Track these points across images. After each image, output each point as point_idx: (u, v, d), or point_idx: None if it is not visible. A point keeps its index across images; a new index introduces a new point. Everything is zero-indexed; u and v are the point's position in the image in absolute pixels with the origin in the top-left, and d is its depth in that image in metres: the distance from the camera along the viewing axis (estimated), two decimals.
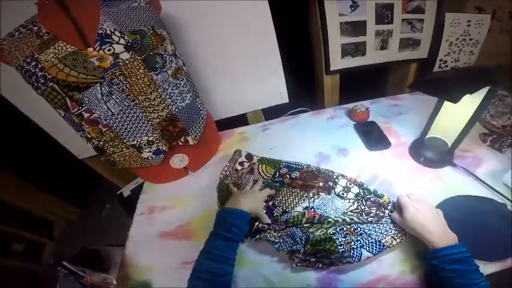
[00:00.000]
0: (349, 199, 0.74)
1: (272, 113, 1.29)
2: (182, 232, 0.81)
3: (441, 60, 1.25)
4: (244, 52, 1.06)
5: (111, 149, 0.80)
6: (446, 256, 0.53)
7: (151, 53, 0.69)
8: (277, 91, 1.21)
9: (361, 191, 0.75)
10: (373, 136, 0.99)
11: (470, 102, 0.70)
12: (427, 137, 0.88)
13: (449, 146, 0.84)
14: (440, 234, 0.57)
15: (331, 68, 1.17)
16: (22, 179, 1.82)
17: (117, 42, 0.64)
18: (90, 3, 0.66)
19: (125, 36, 0.65)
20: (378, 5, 1.08)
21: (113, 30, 0.64)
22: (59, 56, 0.61)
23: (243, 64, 1.09)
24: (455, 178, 0.81)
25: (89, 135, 0.76)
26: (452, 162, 0.85)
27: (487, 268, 0.59)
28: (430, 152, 0.87)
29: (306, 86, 1.44)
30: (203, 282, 0.54)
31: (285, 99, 1.24)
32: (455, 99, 0.63)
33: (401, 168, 0.87)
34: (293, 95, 1.24)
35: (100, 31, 0.63)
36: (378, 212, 0.70)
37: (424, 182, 0.81)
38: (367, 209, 0.71)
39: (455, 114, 0.76)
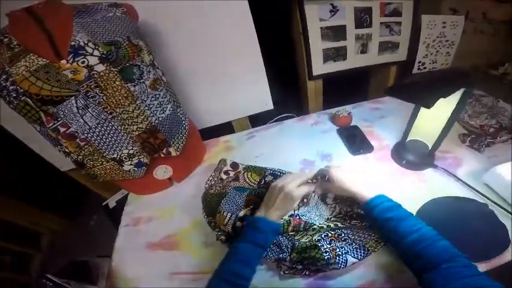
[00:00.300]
0: (330, 204, 0.74)
1: (258, 119, 1.28)
2: (169, 243, 0.79)
3: (420, 62, 1.27)
4: (227, 59, 1.04)
5: (91, 162, 0.77)
6: (379, 205, 0.58)
7: (127, 64, 0.67)
8: (262, 98, 1.20)
9: None
10: (356, 140, 0.99)
11: (446, 105, 0.71)
12: (407, 140, 0.89)
13: (430, 148, 0.85)
14: (365, 189, 0.63)
15: (314, 73, 1.18)
16: (5, 193, 1.74)
17: (91, 54, 0.62)
18: (62, 14, 0.63)
19: (99, 48, 0.62)
20: (357, 9, 1.09)
21: (86, 42, 0.61)
22: (31, 69, 0.58)
23: (226, 72, 1.08)
24: (437, 179, 0.82)
25: (67, 150, 0.73)
26: (433, 164, 0.85)
27: None
28: (411, 155, 0.88)
29: (290, 92, 1.44)
30: (224, 283, 0.54)
31: (269, 105, 1.23)
32: (428, 105, 0.63)
33: (384, 172, 0.87)
34: (278, 101, 1.24)
35: (73, 43, 0.60)
36: (359, 211, 0.69)
37: (406, 185, 0.82)
38: (348, 209, 0.71)
39: (433, 117, 0.77)
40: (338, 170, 0.68)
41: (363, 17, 1.11)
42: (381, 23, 1.15)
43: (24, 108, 0.62)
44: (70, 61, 0.60)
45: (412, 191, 0.79)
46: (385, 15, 1.14)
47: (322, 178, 0.72)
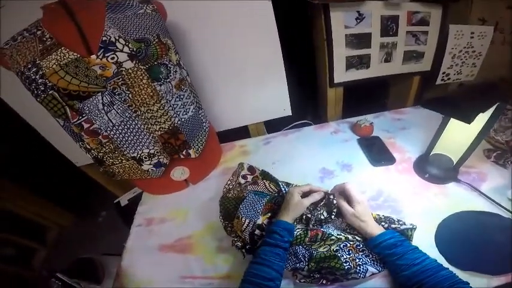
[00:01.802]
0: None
1: (273, 125, 1.27)
2: (182, 245, 0.79)
3: (444, 73, 1.25)
4: (248, 63, 1.03)
5: (111, 160, 0.77)
6: (383, 242, 0.59)
7: (155, 63, 0.67)
8: (280, 103, 1.19)
9: None
10: (377, 151, 0.97)
11: (477, 119, 0.68)
12: (432, 153, 0.87)
13: (455, 163, 0.84)
14: (373, 224, 0.64)
15: (335, 81, 1.16)
16: (17, 182, 1.77)
17: (121, 50, 0.62)
18: (95, 9, 0.64)
19: (129, 44, 0.62)
20: (383, 17, 1.07)
21: (117, 38, 0.62)
22: (61, 63, 0.59)
23: (246, 75, 1.07)
24: (460, 194, 0.80)
25: (88, 146, 0.73)
26: (456, 178, 0.83)
27: (492, 282, 0.59)
28: (434, 169, 0.86)
29: (309, 99, 1.42)
30: (250, 285, 0.56)
31: (287, 112, 1.21)
32: (468, 119, 0.62)
33: (406, 184, 0.85)
34: (296, 108, 1.22)
35: (104, 38, 0.61)
36: None
37: (429, 198, 0.80)
38: None
39: (462, 132, 0.75)
40: (361, 199, 0.67)
41: (389, 26, 1.09)
42: (407, 32, 1.12)
43: (51, 102, 0.62)
44: (100, 56, 0.60)
45: (434, 205, 0.78)
46: (412, 24, 1.12)
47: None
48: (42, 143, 1.07)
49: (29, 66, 0.58)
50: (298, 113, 1.27)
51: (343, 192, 0.70)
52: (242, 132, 1.26)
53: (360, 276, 0.59)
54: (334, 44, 1.06)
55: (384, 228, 0.65)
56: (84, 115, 0.66)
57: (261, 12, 0.93)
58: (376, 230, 0.62)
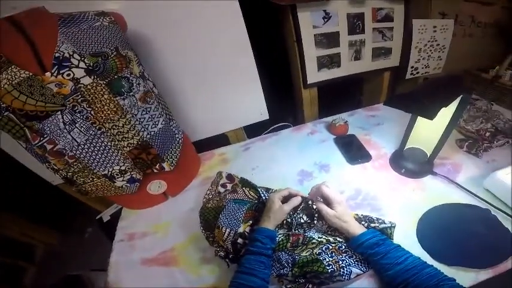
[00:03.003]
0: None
1: (254, 129, 1.23)
2: (165, 258, 0.75)
3: (412, 67, 1.25)
4: (220, 70, 1.00)
5: (82, 179, 0.72)
6: (365, 242, 0.58)
7: (115, 77, 0.62)
8: (257, 108, 1.16)
9: None
10: (353, 149, 0.96)
11: (444, 112, 0.68)
12: (405, 148, 0.86)
13: (428, 156, 0.83)
14: (355, 224, 0.63)
15: (309, 81, 1.14)
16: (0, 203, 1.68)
17: (77, 66, 0.57)
18: (47, 23, 0.58)
19: (85, 59, 0.58)
20: (349, 15, 1.06)
21: (71, 53, 0.57)
22: (13, 82, 0.54)
23: (219, 82, 1.03)
24: (437, 187, 0.79)
25: (55, 167, 0.68)
26: (432, 171, 0.83)
27: (479, 275, 0.57)
28: (410, 163, 0.85)
29: (285, 101, 1.40)
30: None
31: (265, 115, 1.19)
32: (431, 116, 0.61)
33: (384, 181, 0.84)
34: (274, 111, 1.20)
35: (57, 54, 0.56)
36: None
37: (407, 193, 0.79)
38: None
39: (431, 125, 0.73)
40: (340, 200, 0.65)
41: (355, 23, 1.08)
42: (373, 28, 1.12)
43: (8, 124, 0.57)
44: (55, 74, 0.56)
45: (412, 200, 0.76)
46: (377, 21, 1.12)
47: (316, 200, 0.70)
48: (17, 163, 1.00)
49: None
50: (277, 116, 1.25)
51: (321, 195, 0.68)
52: (222, 140, 1.23)
53: (344, 279, 0.57)
54: (304, 45, 1.04)
55: (364, 227, 0.63)
56: (45, 136, 0.60)
57: (229, 16, 0.90)
58: (357, 229, 0.61)
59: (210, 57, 0.96)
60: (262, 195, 0.76)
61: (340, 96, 1.33)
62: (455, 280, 0.48)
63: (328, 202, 0.66)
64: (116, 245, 0.82)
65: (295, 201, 0.68)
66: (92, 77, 0.58)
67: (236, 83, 1.05)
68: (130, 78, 0.66)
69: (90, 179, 0.72)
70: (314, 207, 0.68)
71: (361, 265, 0.60)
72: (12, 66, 0.54)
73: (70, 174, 0.69)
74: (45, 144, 0.62)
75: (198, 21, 0.87)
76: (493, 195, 0.73)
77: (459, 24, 1.22)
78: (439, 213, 0.71)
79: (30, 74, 0.54)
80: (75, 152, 0.64)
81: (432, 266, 0.52)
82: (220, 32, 0.91)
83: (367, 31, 1.12)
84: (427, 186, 0.79)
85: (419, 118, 0.75)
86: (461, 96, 0.66)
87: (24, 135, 0.60)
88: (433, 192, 0.77)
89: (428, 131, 0.77)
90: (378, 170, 0.88)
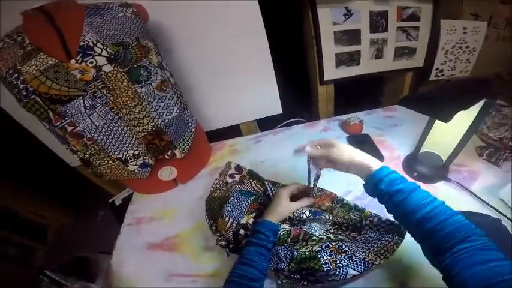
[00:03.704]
0: (325, 216, 0.72)
1: (267, 123, 1.27)
2: (169, 244, 0.81)
3: (437, 69, 1.23)
4: (237, 61, 1.04)
5: (97, 161, 0.79)
6: (387, 176, 0.51)
7: (135, 65, 0.68)
8: (270, 102, 1.19)
9: (336, 205, 0.74)
10: (366, 150, 0.92)
11: (465, 116, 0.68)
12: (420, 151, 0.86)
13: (444, 161, 0.83)
14: (369, 157, 0.57)
15: (325, 78, 1.16)
16: (18, 182, 1.82)
17: (100, 54, 0.63)
18: (74, 13, 0.65)
19: (108, 48, 0.63)
20: (372, 13, 1.06)
21: (95, 42, 0.63)
22: (41, 69, 0.60)
23: (235, 74, 1.07)
24: (448, 193, 0.79)
25: (74, 148, 0.75)
26: (446, 177, 0.82)
27: None
28: (423, 167, 0.85)
29: (301, 97, 1.43)
30: (234, 285, 0.55)
31: (278, 110, 1.22)
32: (446, 118, 0.60)
33: None
34: (288, 106, 1.23)
35: (82, 43, 0.62)
36: (353, 222, 0.69)
37: None
38: (342, 220, 0.71)
39: (450, 129, 0.73)
40: (337, 149, 0.60)
41: (378, 21, 1.08)
42: (397, 27, 1.12)
43: (34, 106, 0.64)
44: (79, 61, 0.62)
45: None
46: (403, 20, 1.11)
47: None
48: (40, 145, 1.10)
49: (11, 72, 0.60)
50: (291, 111, 1.28)
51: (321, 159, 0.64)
52: (235, 131, 1.27)
53: (340, 279, 0.58)
54: (323, 41, 1.06)
55: (373, 225, 0.65)
56: (67, 118, 0.67)
57: (248, 10, 0.93)
58: (374, 164, 0.55)
59: (227, 49, 1.00)
60: (268, 188, 0.79)
61: (358, 94, 1.33)
62: (484, 236, 0.43)
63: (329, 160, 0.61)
64: (123, 229, 0.89)
65: (306, 202, 0.69)
66: (113, 65, 0.64)
67: (251, 76, 1.09)
68: (149, 67, 0.71)
69: (105, 161, 0.79)
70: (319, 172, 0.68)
71: (359, 265, 0.60)
72: (41, 54, 0.60)
73: (87, 155, 0.76)
74: (66, 126, 0.68)
75: (216, 13, 0.92)
76: (508, 206, 0.71)
77: (493, 26, 1.18)
78: None
79: (57, 61, 0.61)
80: (93, 134, 0.71)
81: (459, 213, 0.46)
82: (237, 26, 0.95)
83: (391, 30, 1.12)
84: (438, 192, 0.79)
85: (437, 121, 0.74)
86: (484, 100, 0.65)
87: (48, 117, 0.67)
88: (444, 198, 0.74)
89: (446, 135, 0.76)
90: None
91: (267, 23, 0.97)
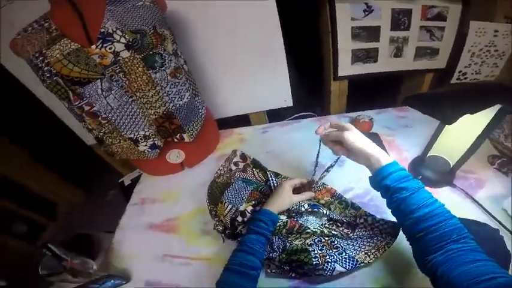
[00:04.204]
0: (322, 210, 0.75)
1: (277, 115, 1.31)
2: (168, 226, 0.87)
3: (460, 71, 1.22)
4: (250, 53, 1.08)
5: (110, 140, 0.86)
6: (396, 172, 0.54)
7: (150, 52, 0.74)
8: (281, 94, 1.23)
9: (334, 201, 0.78)
10: None
11: (478, 121, 0.68)
12: (428, 155, 0.86)
13: (451, 166, 0.83)
14: (381, 151, 0.58)
15: (340, 74, 1.17)
16: (34, 157, 1.96)
17: (118, 41, 0.69)
18: (97, 2, 0.71)
19: (126, 35, 0.70)
20: (395, 11, 1.06)
21: (114, 29, 0.69)
22: (64, 53, 0.67)
23: (247, 64, 1.12)
24: (450, 199, 0.80)
25: (89, 126, 0.82)
26: (451, 183, 0.83)
27: None
28: (429, 171, 0.85)
29: (312, 91, 1.45)
30: (234, 274, 0.57)
31: (289, 102, 1.25)
32: (449, 121, 0.60)
33: None
34: (299, 99, 1.26)
35: (102, 29, 0.68)
36: (347, 219, 0.72)
37: None
38: (338, 217, 0.73)
39: (461, 134, 0.74)
40: (353, 135, 0.61)
41: (400, 19, 1.08)
42: (421, 26, 1.11)
43: (55, 87, 0.72)
44: (99, 46, 0.68)
45: None
46: (427, 19, 1.10)
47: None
48: (59, 121, 1.20)
49: (37, 55, 0.67)
50: (302, 105, 1.31)
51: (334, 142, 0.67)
52: (244, 120, 1.32)
53: (326, 274, 0.61)
54: (339, 36, 1.07)
55: (367, 224, 0.68)
56: (85, 99, 0.75)
57: (263, 1, 0.96)
58: (385, 156, 0.57)
59: (241, 40, 1.05)
60: (270, 178, 0.83)
61: (373, 93, 1.33)
62: (474, 240, 0.45)
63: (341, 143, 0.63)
64: (128, 208, 0.97)
65: (308, 196, 0.73)
66: (130, 51, 0.70)
67: (263, 67, 1.13)
68: (164, 54, 0.77)
69: (118, 140, 0.86)
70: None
71: (347, 263, 0.63)
72: (64, 39, 0.67)
73: (101, 134, 0.84)
74: (83, 105, 0.76)
75: (233, 5, 0.96)
76: (510, 216, 0.72)
77: None
78: None
79: (79, 46, 0.67)
80: (108, 114, 0.78)
81: (455, 217, 0.49)
82: (253, 17, 0.99)
83: (413, 29, 1.11)
84: (440, 197, 0.77)
85: (448, 125, 0.73)
86: (499, 107, 0.64)
87: (68, 97, 0.74)
88: (446, 204, 0.78)
89: (456, 140, 0.76)
90: None
91: (282, 14, 0.99)
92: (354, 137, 0.61)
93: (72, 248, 0.75)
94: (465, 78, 1.24)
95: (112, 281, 0.70)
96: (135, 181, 1.25)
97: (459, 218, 0.70)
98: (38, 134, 1.91)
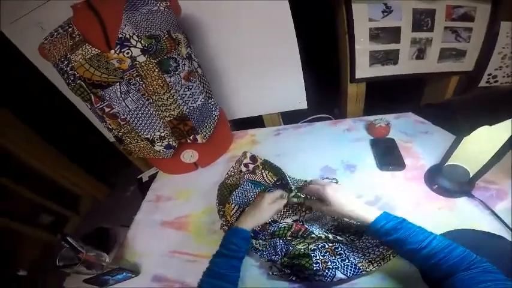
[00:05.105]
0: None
1: (292, 117, 1.33)
2: (179, 223, 0.92)
3: (490, 74, 1.18)
4: (264, 54, 1.11)
5: (128, 140, 0.93)
6: (380, 229, 0.57)
7: (165, 57, 0.79)
8: (296, 96, 1.25)
9: None
10: (388, 155, 0.96)
11: (502, 130, 0.65)
12: (447, 163, 0.84)
13: (471, 176, 0.81)
14: (363, 211, 0.61)
15: (357, 76, 1.17)
16: (60, 151, 2.12)
17: (135, 46, 0.75)
18: (115, 7, 0.77)
19: (142, 41, 0.75)
20: (416, 11, 1.04)
21: (131, 35, 0.74)
22: (86, 57, 0.73)
23: (261, 66, 1.15)
24: (467, 210, 0.78)
25: (109, 126, 0.89)
26: (470, 193, 0.81)
27: None
28: (446, 181, 0.82)
29: (328, 93, 1.45)
30: None
31: (303, 105, 1.27)
32: (463, 133, 0.60)
33: (410, 194, 0.84)
34: (314, 101, 1.26)
35: (120, 35, 0.74)
36: (359, 228, 0.72)
37: (430, 211, 0.79)
38: (346, 223, 0.74)
39: (483, 142, 0.71)
40: (334, 189, 0.65)
41: (422, 20, 1.06)
42: (445, 27, 1.08)
43: (79, 90, 0.79)
44: (117, 52, 0.74)
45: (435, 219, 0.76)
46: (453, 19, 1.07)
47: (315, 197, 0.71)
48: (86, 121, 1.30)
49: (62, 59, 0.74)
50: (317, 107, 1.32)
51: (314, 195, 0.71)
52: (259, 122, 1.36)
53: (326, 280, 0.62)
54: (357, 37, 1.08)
55: (377, 210, 0.67)
56: (105, 101, 0.81)
57: (278, 3, 0.99)
58: (368, 216, 0.60)
59: (255, 42, 1.08)
60: (286, 179, 0.86)
61: (393, 96, 1.31)
62: (486, 262, 0.47)
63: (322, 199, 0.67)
64: (144, 204, 1.03)
65: (280, 204, 0.73)
66: (146, 56, 0.76)
67: (277, 69, 1.15)
68: (178, 58, 0.82)
69: (135, 140, 0.93)
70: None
71: (349, 270, 0.63)
72: (86, 44, 0.73)
73: (120, 134, 0.91)
74: (104, 107, 0.83)
75: (245, 5, 0.99)
76: None
77: None
78: (458, 236, 0.69)
79: (99, 51, 0.73)
80: (126, 116, 0.84)
81: (460, 246, 0.51)
82: (265, 17, 1.02)
83: (437, 29, 1.08)
84: (456, 207, 0.78)
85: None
86: None
87: (90, 99, 0.81)
88: (461, 215, 0.76)
89: (477, 148, 0.74)
90: (408, 181, 0.88)
91: (297, 15, 1.00)
92: (339, 198, 0.64)
93: (91, 241, 0.81)
94: (495, 82, 1.19)
95: (123, 274, 0.76)
96: (152, 178, 1.32)
97: (473, 230, 0.70)
98: (68, 133, 2.07)
